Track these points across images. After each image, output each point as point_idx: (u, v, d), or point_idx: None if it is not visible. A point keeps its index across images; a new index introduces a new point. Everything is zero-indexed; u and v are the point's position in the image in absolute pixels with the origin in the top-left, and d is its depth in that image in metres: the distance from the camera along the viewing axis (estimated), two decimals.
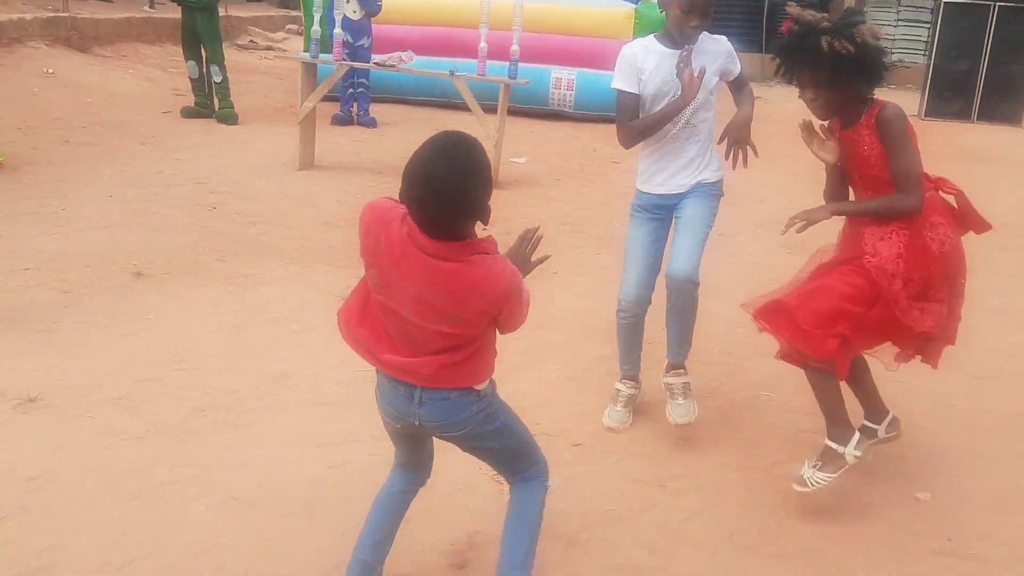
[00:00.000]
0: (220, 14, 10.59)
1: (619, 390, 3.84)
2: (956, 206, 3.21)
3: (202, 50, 9.66)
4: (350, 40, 9.68)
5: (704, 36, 3.54)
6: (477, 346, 2.32)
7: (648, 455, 3.63)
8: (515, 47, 7.49)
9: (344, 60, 8.00)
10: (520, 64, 7.83)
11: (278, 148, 8.55)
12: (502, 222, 6.86)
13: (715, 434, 3.79)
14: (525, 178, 8.38)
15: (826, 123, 3.23)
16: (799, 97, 3.13)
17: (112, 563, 2.75)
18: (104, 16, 13.15)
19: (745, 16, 19.43)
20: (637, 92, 3.53)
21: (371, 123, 10.26)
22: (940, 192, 3.16)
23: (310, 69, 7.88)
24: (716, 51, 3.56)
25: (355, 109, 10.36)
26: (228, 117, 9.71)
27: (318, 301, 4.98)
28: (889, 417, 3.47)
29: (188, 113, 9.86)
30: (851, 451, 3.16)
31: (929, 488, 3.45)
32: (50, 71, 10.85)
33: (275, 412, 3.77)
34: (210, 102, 9.88)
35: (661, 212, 3.66)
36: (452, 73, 7.61)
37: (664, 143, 3.56)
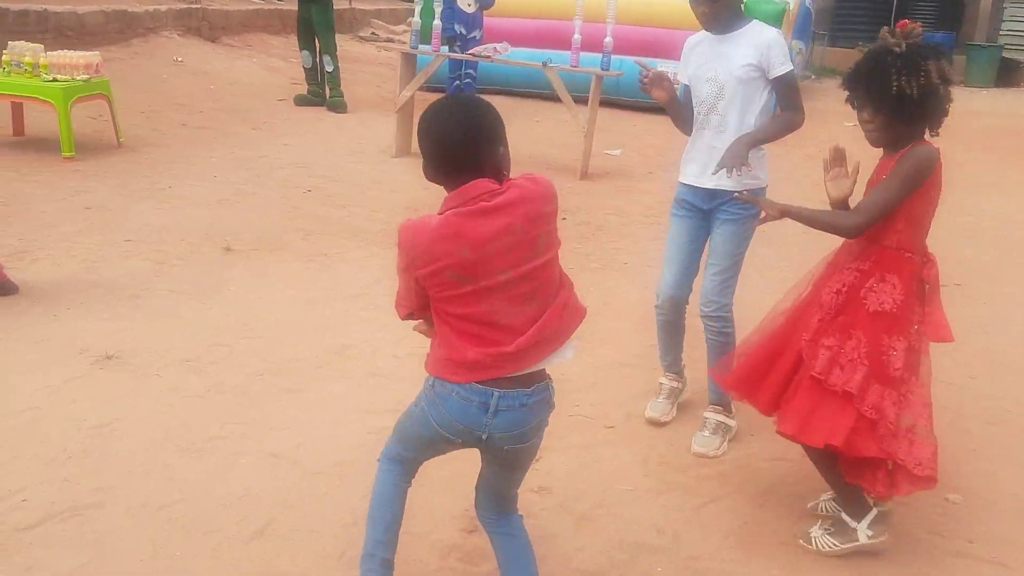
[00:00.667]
0: (344, 7, 11.03)
1: (662, 384, 3.89)
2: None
3: (316, 40, 10.09)
4: (463, 32, 9.97)
5: (753, 25, 3.47)
6: (566, 287, 2.34)
7: (679, 441, 3.68)
8: (608, 39, 7.56)
9: (440, 51, 8.21)
10: (622, 57, 7.89)
11: (380, 136, 8.87)
12: (583, 212, 6.98)
13: (752, 425, 3.79)
14: (617, 170, 8.44)
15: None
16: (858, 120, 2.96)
17: (152, 504, 3.00)
18: (233, 7, 13.83)
19: (871, 13, 18.85)
20: (686, 82, 3.59)
21: None
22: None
23: (410, 60, 8.16)
24: (755, 42, 3.43)
25: None
26: (337, 105, 10.11)
27: (390, 280, 5.19)
28: (871, 515, 3.05)
29: (300, 101, 10.31)
30: (864, 528, 2.99)
31: (963, 491, 3.38)
32: (179, 59, 11.52)
33: (330, 380, 3.99)
34: (322, 91, 10.30)
35: (696, 211, 3.62)
36: (545, 64, 7.73)
37: (696, 132, 3.58)
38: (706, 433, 3.64)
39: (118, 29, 11.53)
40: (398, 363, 4.17)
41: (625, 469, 3.46)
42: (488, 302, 2.22)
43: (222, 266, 5.28)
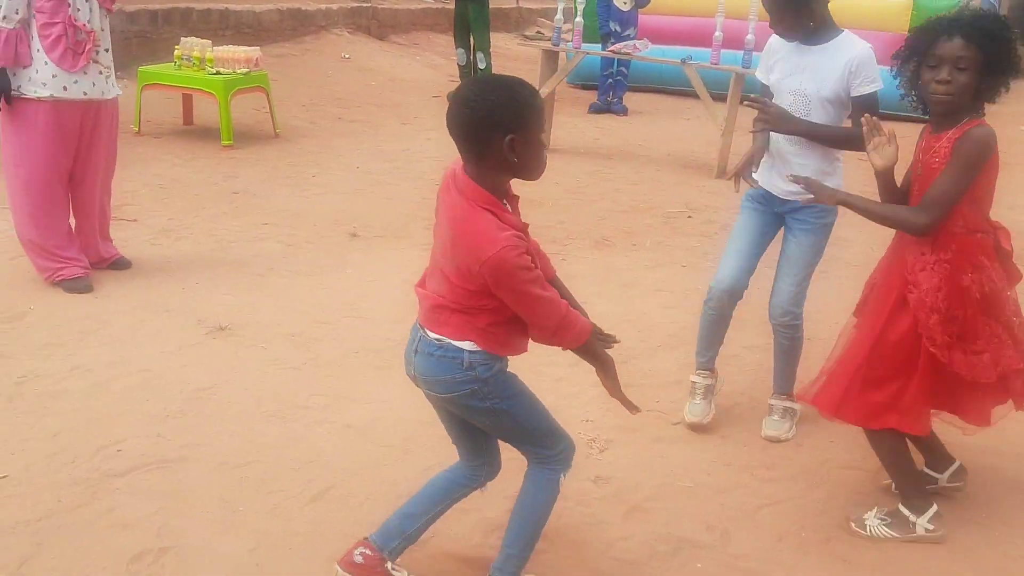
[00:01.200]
0: (511, 6, 11.28)
1: (695, 382, 3.73)
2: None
3: (471, 38, 10.37)
4: (617, 29, 10.02)
5: (844, 38, 3.31)
6: (480, 304, 2.33)
7: (752, 443, 3.62)
8: (750, 36, 7.41)
9: (581, 48, 8.29)
10: None
11: None
12: (711, 211, 6.90)
13: (835, 432, 3.67)
14: None
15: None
16: (929, 83, 2.80)
17: (230, 463, 3.25)
18: (402, 6, 14.37)
19: None
20: (767, 82, 3.51)
21: (622, 111, 10.50)
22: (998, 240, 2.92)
23: (550, 56, 8.29)
24: (845, 57, 3.27)
25: (612, 97, 10.66)
26: None
27: None
28: (954, 466, 3.25)
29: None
30: (924, 523, 2.95)
31: None
32: (346, 56, 12.10)
33: None
34: None
35: (770, 207, 3.55)
36: (683, 61, 7.66)
37: (777, 143, 3.46)
38: (775, 417, 3.62)
39: (292, 27, 12.23)
40: None
41: (689, 466, 3.44)
42: (432, 256, 2.47)
43: (345, 250, 5.56)
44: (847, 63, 3.26)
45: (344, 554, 2.65)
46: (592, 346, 2.48)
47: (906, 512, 2.98)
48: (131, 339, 4.17)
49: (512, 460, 2.74)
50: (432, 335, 2.41)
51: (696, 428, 3.68)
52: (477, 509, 3.05)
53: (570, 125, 9.41)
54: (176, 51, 7.85)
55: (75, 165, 4.65)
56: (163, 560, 2.72)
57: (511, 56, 13.79)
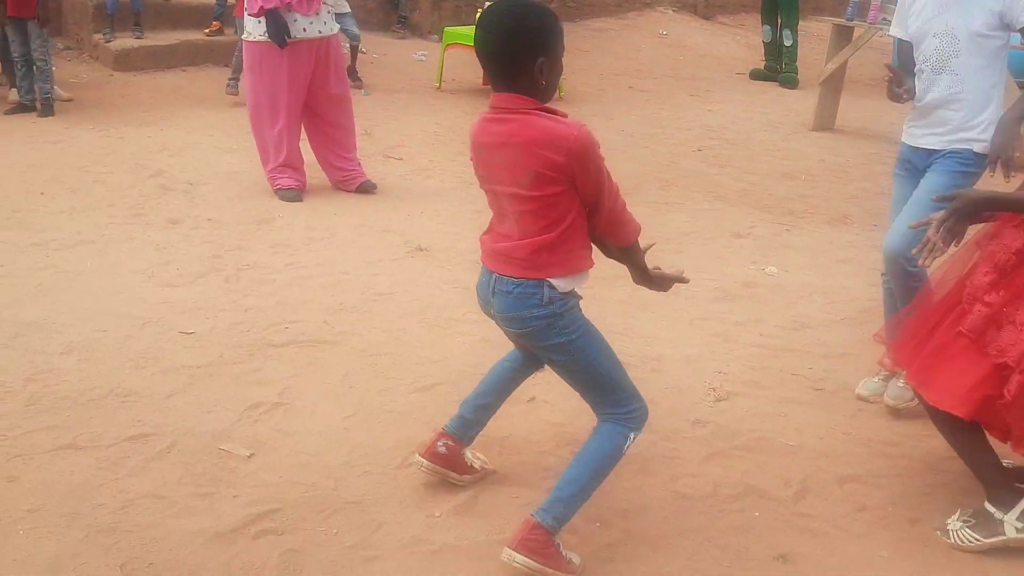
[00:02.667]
0: None
1: (883, 363, 3.50)
2: None
3: (779, 15, 10.08)
4: None
5: None
6: (566, 226, 2.37)
7: (887, 418, 3.38)
8: None
9: (875, 24, 7.82)
10: None
11: (809, 111, 8.67)
12: None
13: None
14: None
15: None
16: None
17: (368, 351, 3.64)
18: None
19: None
20: (906, 38, 3.27)
21: None
22: None
23: (841, 32, 7.90)
24: None
25: None
26: (788, 81, 10.02)
27: (706, 231, 5.31)
28: None
29: (755, 75, 10.40)
30: (1012, 520, 2.59)
31: None
32: (664, 33, 12.23)
33: None
34: (777, 66, 10.27)
35: (916, 169, 3.33)
36: None
37: (922, 91, 3.22)
38: (900, 383, 3.34)
39: (617, 2, 12.58)
40: (650, 295, 4.28)
41: (804, 428, 3.29)
42: (497, 204, 2.48)
43: None
44: None
45: (426, 446, 2.83)
46: (638, 248, 2.58)
47: (991, 509, 2.64)
48: (345, 249, 4.73)
49: None
50: (511, 277, 2.44)
51: (860, 399, 3.51)
52: (561, 423, 3.19)
53: (865, 107, 8.88)
54: (479, 13, 8.48)
55: (310, 97, 5.46)
56: (274, 412, 3.17)
57: (818, 35, 13.14)
